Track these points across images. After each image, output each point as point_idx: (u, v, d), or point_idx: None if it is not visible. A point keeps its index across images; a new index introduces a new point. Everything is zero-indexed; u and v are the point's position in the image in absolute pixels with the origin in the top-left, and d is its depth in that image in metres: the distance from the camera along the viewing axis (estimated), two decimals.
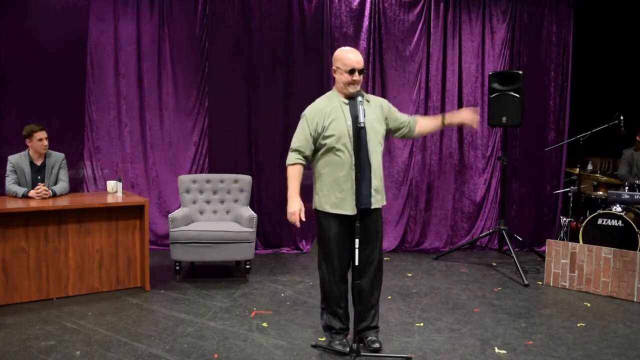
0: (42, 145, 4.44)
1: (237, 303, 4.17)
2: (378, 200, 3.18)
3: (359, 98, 3.06)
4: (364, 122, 2.97)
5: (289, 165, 3.18)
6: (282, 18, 5.76)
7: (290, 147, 3.21)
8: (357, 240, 3.00)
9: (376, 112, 3.23)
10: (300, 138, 3.18)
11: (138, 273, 4.49)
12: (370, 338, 3.32)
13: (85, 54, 5.55)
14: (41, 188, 4.33)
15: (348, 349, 3.19)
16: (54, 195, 4.42)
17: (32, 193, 4.31)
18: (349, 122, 3.10)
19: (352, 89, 3.14)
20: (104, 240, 4.33)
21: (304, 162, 3.19)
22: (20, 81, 5.37)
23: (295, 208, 3.11)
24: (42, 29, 5.41)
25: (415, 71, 5.98)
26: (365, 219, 3.11)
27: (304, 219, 3.14)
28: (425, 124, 3.45)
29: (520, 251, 5.99)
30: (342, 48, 3.29)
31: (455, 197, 6.12)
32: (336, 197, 3.12)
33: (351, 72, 3.11)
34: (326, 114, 3.13)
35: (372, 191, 3.13)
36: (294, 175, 3.16)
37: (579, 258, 4.66)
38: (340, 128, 3.10)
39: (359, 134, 3.05)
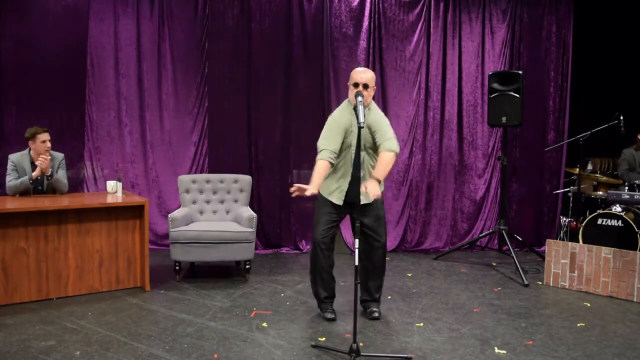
0: (45, 147, 4.45)
1: (237, 303, 4.17)
2: (365, 196, 3.49)
3: (359, 98, 3.22)
4: (363, 123, 3.09)
5: (320, 160, 3.52)
6: (282, 18, 5.76)
7: (322, 144, 3.56)
8: (357, 241, 3.10)
9: (369, 119, 3.60)
10: (330, 135, 3.58)
11: (138, 273, 4.49)
12: (370, 309, 3.88)
13: (85, 54, 5.55)
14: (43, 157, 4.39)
15: (331, 316, 3.81)
16: (51, 176, 4.49)
17: (36, 172, 4.39)
18: (355, 130, 3.55)
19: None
20: (103, 240, 4.33)
21: (333, 161, 3.56)
22: (20, 81, 5.37)
23: (308, 187, 3.31)
24: (42, 29, 5.41)
25: (415, 71, 5.98)
26: (364, 209, 3.61)
27: (304, 194, 3.29)
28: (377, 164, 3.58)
29: (520, 251, 5.99)
30: (355, 68, 3.72)
31: (455, 197, 6.12)
32: (331, 187, 3.68)
33: (355, 85, 3.58)
34: (345, 120, 3.61)
35: (362, 188, 3.41)
36: (320, 171, 3.47)
37: (579, 258, 4.66)
38: (349, 134, 3.60)
39: (358, 135, 3.38)
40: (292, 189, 3.33)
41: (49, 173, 4.47)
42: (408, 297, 4.41)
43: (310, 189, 3.32)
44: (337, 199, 3.67)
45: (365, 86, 3.56)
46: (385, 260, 3.86)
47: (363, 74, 3.59)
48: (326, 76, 5.83)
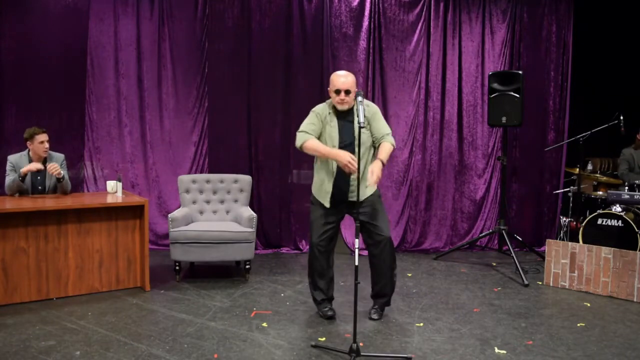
0: (43, 147, 4.46)
1: (237, 303, 4.17)
2: (361, 194, 3.54)
3: (359, 98, 3.18)
4: (363, 122, 3.05)
5: (305, 142, 3.55)
6: (282, 18, 5.76)
7: (300, 130, 3.61)
8: (357, 241, 3.08)
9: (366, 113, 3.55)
10: (311, 123, 3.62)
11: (138, 273, 4.49)
12: (372, 309, 3.89)
13: (85, 54, 5.55)
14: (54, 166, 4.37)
15: (331, 313, 3.82)
16: (63, 178, 4.47)
17: (24, 170, 4.34)
18: (331, 127, 3.61)
19: (339, 107, 3.61)
20: (103, 240, 4.33)
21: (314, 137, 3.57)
22: (20, 81, 5.37)
23: (347, 155, 3.36)
24: (42, 29, 5.41)
25: (415, 71, 5.98)
26: (359, 206, 3.44)
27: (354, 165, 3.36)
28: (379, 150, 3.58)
29: (520, 251, 6.00)
30: (335, 72, 3.67)
31: (455, 197, 6.13)
32: (321, 189, 3.68)
33: (337, 92, 3.57)
34: (326, 119, 3.64)
35: (350, 187, 3.58)
36: (318, 144, 3.55)
37: (579, 258, 4.66)
38: (332, 134, 3.60)
39: (359, 135, 3.28)
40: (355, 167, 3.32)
41: (62, 176, 4.47)
42: (408, 297, 4.41)
43: (348, 158, 3.33)
44: (326, 201, 3.65)
45: (347, 92, 3.55)
46: (393, 256, 3.76)
47: (344, 78, 3.57)
48: (326, 76, 5.81)
